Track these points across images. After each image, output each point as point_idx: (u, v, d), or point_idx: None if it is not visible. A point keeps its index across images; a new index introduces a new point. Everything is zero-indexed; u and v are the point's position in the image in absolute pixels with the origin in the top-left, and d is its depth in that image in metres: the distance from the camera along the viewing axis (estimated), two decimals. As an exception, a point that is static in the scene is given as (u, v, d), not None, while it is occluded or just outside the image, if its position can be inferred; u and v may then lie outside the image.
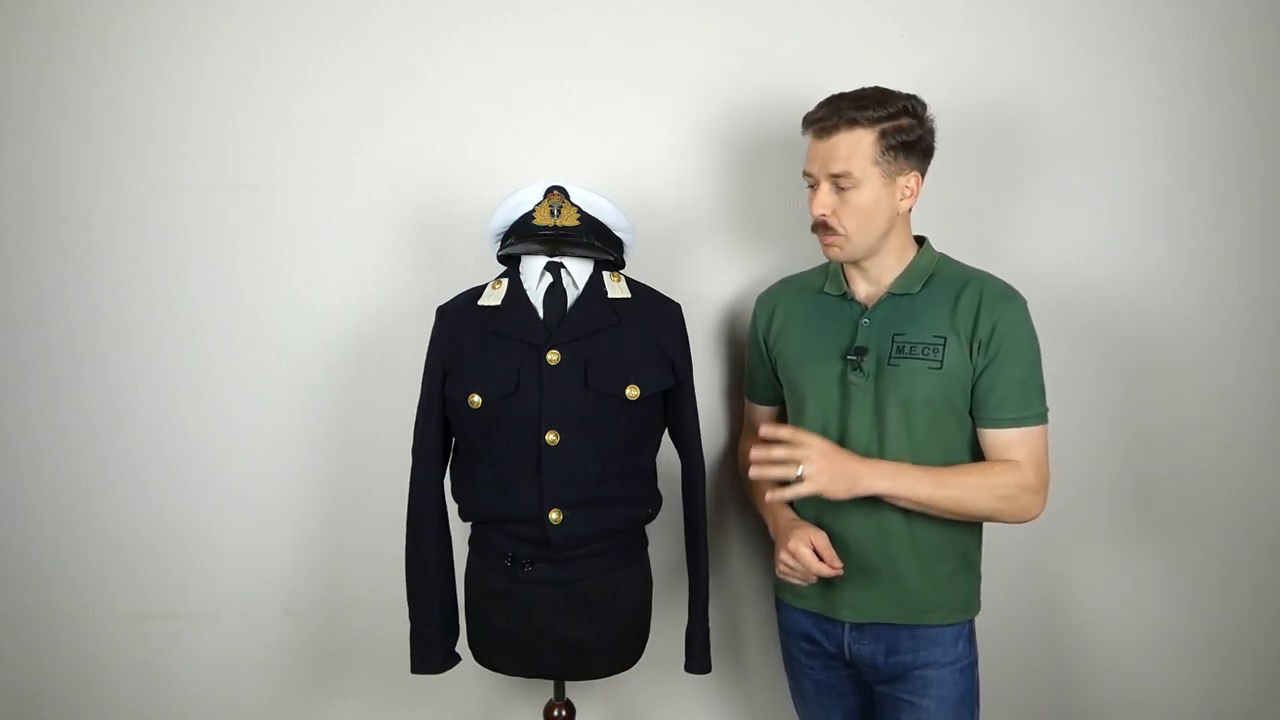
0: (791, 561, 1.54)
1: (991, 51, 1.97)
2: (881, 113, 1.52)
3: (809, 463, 1.48)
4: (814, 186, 1.57)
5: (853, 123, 1.51)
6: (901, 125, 1.53)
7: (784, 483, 1.52)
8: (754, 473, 1.51)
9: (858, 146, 1.51)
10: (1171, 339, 2.02)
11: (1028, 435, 1.55)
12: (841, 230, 1.55)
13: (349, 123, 1.96)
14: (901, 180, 1.55)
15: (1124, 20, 1.98)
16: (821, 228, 1.57)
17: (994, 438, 1.56)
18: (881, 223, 1.56)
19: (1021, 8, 1.97)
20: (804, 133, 1.60)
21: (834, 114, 1.53)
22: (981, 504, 1.53)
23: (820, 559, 1.53)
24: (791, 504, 1.67)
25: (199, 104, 1.95)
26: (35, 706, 2.05)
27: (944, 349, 1.54)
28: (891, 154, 1.53)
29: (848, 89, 1.58)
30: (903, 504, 1.53)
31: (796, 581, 1.57)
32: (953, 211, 1.93)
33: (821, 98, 1.60)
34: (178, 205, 1.96)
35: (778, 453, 1.49)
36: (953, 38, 1.97)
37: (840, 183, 1.53)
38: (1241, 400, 2.04)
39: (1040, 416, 1.56)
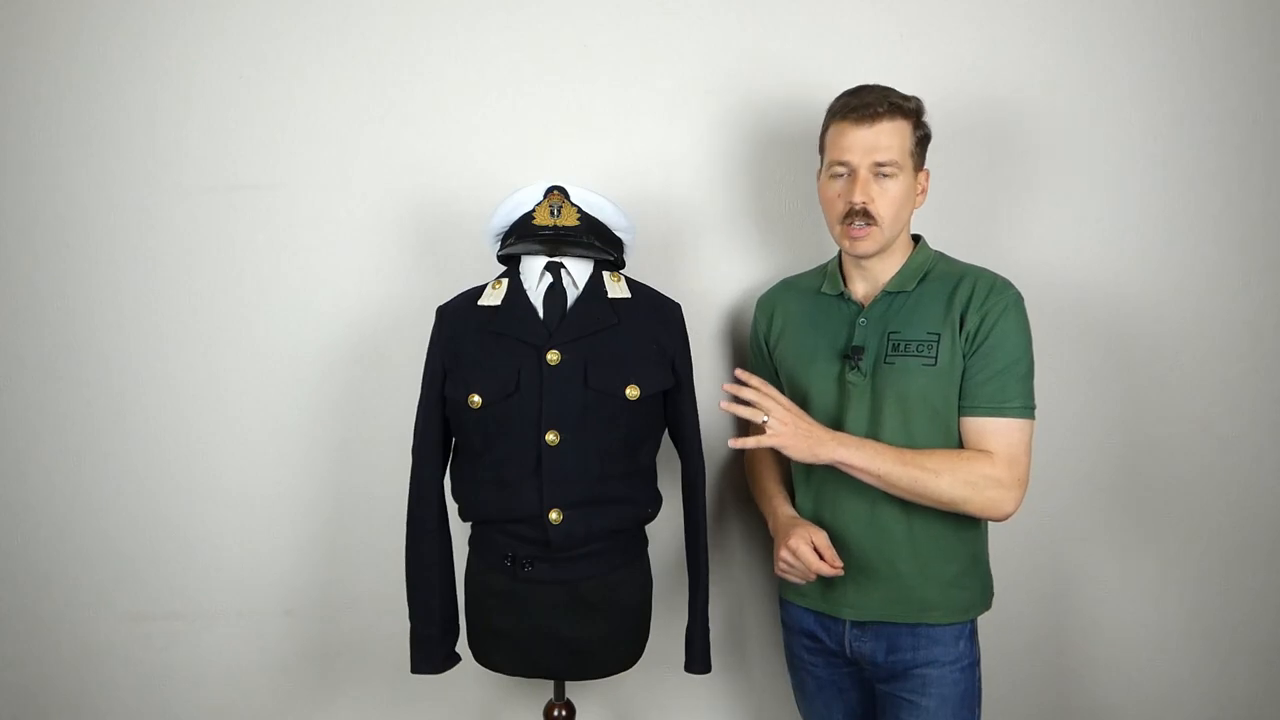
0: (791, 559, 1.54)
1: (991, 51, 1.97)
2: (913, 105, 1.55)
3: (775, 417, 1.49)
4: (845, 175, 1.56)
5: (896, 110, 1.53)
6: (923, 121, 1.57)
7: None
8: (723, 405, 1.52)
9: (899, 135, 1.53)
10: (1172, 338, 2.02)
11: (1004, 426, 1.52)
12: (878, 219, 1.54)
13: (349, 123, 1.96)
14: (920, 176, 1.59)
15: (1124, 20, 1.98)
16: (860, 216, 1.54)
17: (969, 425, 1.54)
18: (907, 215, 1.58)
19: (1021, 8, 1.97)
20: (836, 120, 1.57)
21: (881, 100, 1.53)
22: (943, 487, 1.49)
23: (821, 558, 1.53)
24: (791, 500, 1.68)
25: (199, 104, 1.95)
26: (35, 706, 2.05)
27: (938, 346, 1.54)
28: (919, 148, 1.57)
29: (848, 87, 1.59)
30: (864, 477, 1.51)
31: (795, 580, 1.57)
32: (953, 210, 1.93)
33: (823, 97, 1.62)
34: (178, 205, 1.96)
35: (749, 394, 1.50)
36: (953, 37, 1.97)
37: (885, 170, 1.53)
38: (1242, 400, 2.04)
39: (1020, 410, 1.52)
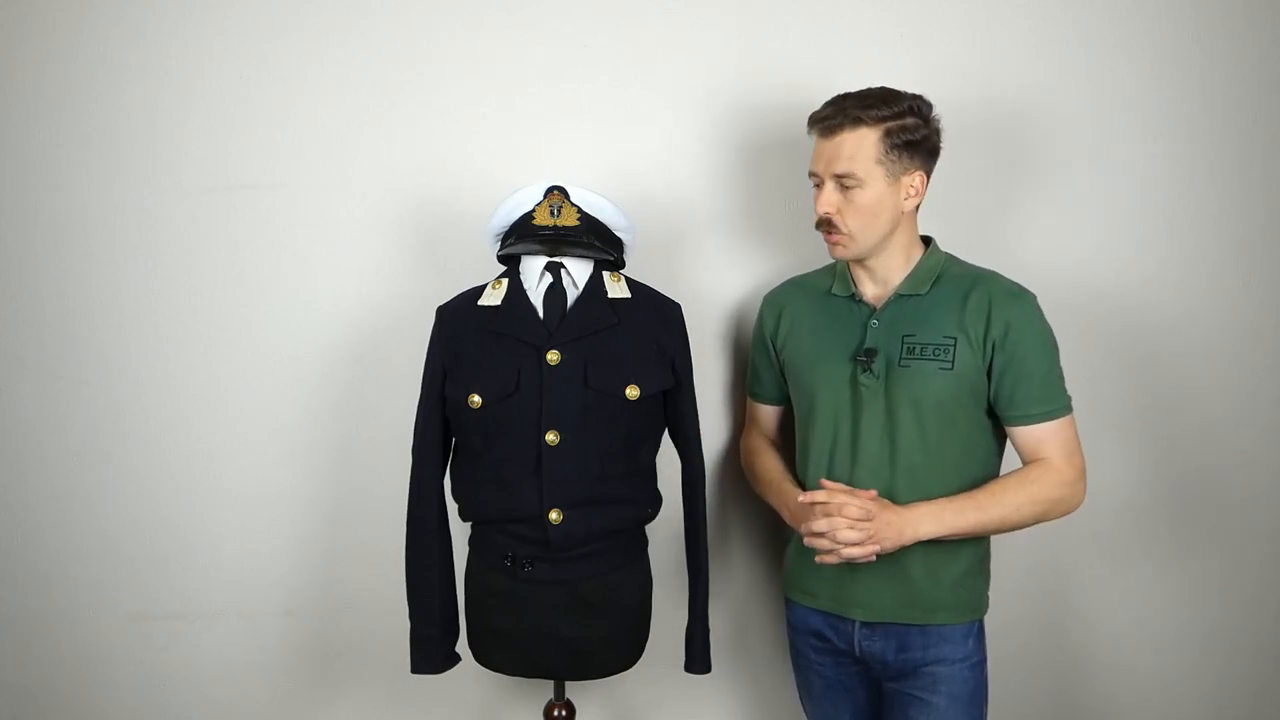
0: (822, 525, 1.47)
1: (992, 51, 1.97)
2: (886, 111, 1.52)
3: (850, 534, 1.46)
4: (819, 185, 1.58)
5: (857, 121, 1.52)
6: (906, 124, 1.53)
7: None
8: (818, 560, 1.49)
9: (861, 145, 1.52)
10: (1172, 338, 2.02)
11: (1058, 428, 1.56)
12: (845, 229, 1.56)
13: (349, 123, 1.96)
14: (906, 180, 1.56)
15: (1124, 20, 1.98)
16: (826, 225, 1.57)
17: (1026, 435, 1.57)
18: (885, 222, 1.56)
19: (1021, 8, 1.97)
20: (809, 132, 1.60)
21: (838, 113, 1.53)
22: (1026, 514, 1.54)
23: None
24: (801, 486, 1.67)
25: (199, 104, 1.95)
26: (35, 706, 2.05)
27: (954, 350, 1.55)
28: (896, 153, 1.53)
29: (850, 89, 1.58)
30: (953, 538, 1.53)
31: (825, 548, 1.48)
32: (954, 210, 1.93)
33: (822, 97, 1.61)
34: (178, 205, 1.96)
35: (820, 524, 1.46)
36: (953, 38, 1.97)
37: (844, 182, 1.53)
38: (1243, 400, 2.04)
39: (1066, 407, 1.57)
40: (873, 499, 1.50)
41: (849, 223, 1.55)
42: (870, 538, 1.46)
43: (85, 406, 1.99)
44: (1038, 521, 1.57)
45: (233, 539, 2.01)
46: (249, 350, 1.98)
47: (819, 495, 1.49)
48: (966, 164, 1.95)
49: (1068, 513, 1.57)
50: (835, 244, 1.59)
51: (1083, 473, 1.57)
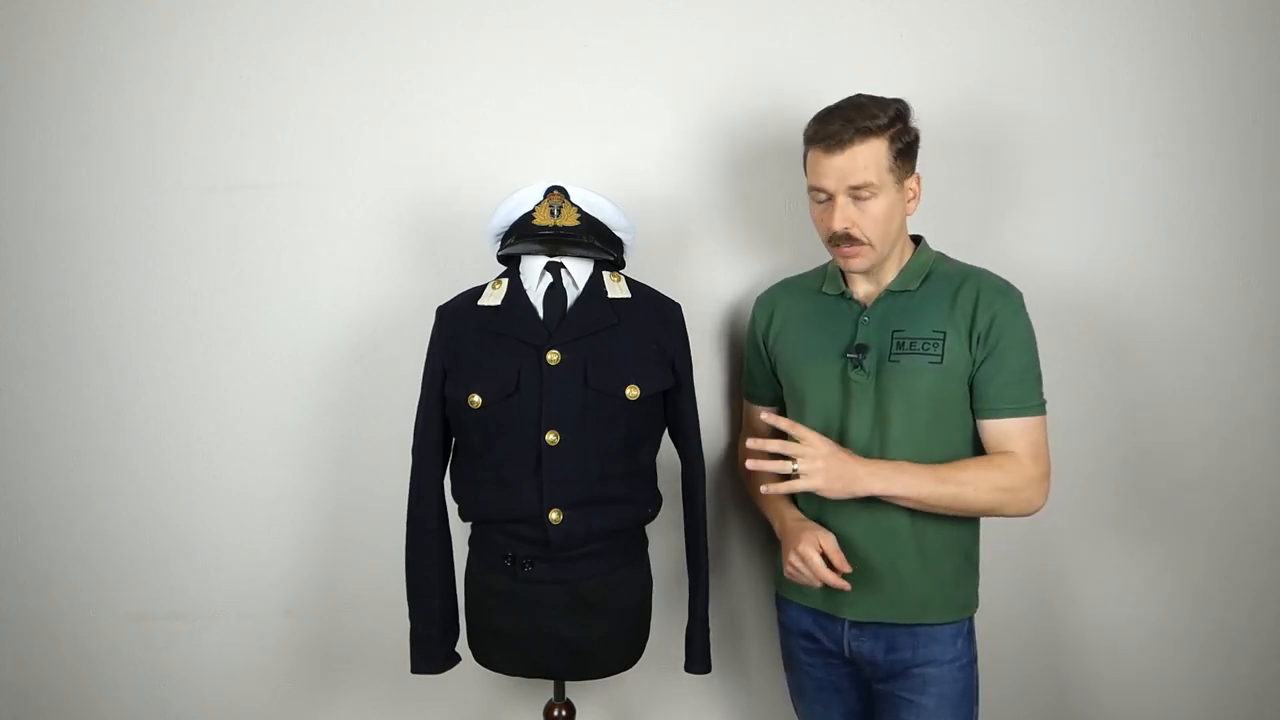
0: (800, 565, 1.54)
1: (991, 51, 1.97)
2: (885, 120, 1.53)
3: (806, 460, 1.49)
4: (825, 200, 1.57)
5: (866, 133, 1.52)
6: (902, 130, 1.55)
7: (782, 476, 1.53)
8: (750, 464, 1.51)
9: (875, 156, 1.52)
10: (1171, 339, 2.02)
11: (1027, 425, 1.55)
12: (865, 240, 1.55)
13: (349, 122, 1.96)
14: (908, 184, 1.58)
15: (1124, 20, 1.98)
16: (844, 240, 1.56)
17: (993, 428, 1.57)
18: (896, 227, 1.58)
19: (1021, 8, 1.98)
20: (808, 149, 1.59)
21: (847, 126, 1.52)
22: (983, 498, 1.53)
23: (829, 566, 1.53)
24: (795, 501, 1.68)
25: (199, 104, 1.95)
26: (35, 706, 2.05)
27: (944, 344, 1.55)
28: (900, 159, 1.55)
29: (847, 90, 1.59)
30: (903, 503, 1.53)
31: (804, 582, 1.57)
32: (952, 210, 1.93)
33: (822, 97, 1.62)
34: (178, 205, 1.96)
35: (773, 445, 1.51)
36: (952, 39, 1.97)
37: (860, 194, 1.53)
38: (1241, 401, 2.04)
39: (1039, 407, 1.57)
40: (823, 440, 1.52)
41: (867, 233, 1.55)
42: (818, 475, 1.49)
43: (85, 406, 1.99)
44: (994, 512, 1.56)
45: (233, 539, 2.01)
46: (249, 350, 1.98)
47: (771, 444, 1.52)
48: (966, 164, 1.95)
49: (1026, 512, 1.56)
50: (855, 255, 1.57)
51: (1047, 475, 1.56)
